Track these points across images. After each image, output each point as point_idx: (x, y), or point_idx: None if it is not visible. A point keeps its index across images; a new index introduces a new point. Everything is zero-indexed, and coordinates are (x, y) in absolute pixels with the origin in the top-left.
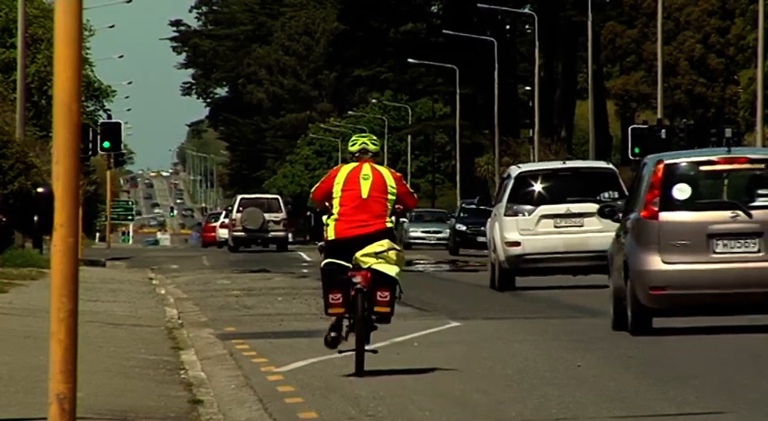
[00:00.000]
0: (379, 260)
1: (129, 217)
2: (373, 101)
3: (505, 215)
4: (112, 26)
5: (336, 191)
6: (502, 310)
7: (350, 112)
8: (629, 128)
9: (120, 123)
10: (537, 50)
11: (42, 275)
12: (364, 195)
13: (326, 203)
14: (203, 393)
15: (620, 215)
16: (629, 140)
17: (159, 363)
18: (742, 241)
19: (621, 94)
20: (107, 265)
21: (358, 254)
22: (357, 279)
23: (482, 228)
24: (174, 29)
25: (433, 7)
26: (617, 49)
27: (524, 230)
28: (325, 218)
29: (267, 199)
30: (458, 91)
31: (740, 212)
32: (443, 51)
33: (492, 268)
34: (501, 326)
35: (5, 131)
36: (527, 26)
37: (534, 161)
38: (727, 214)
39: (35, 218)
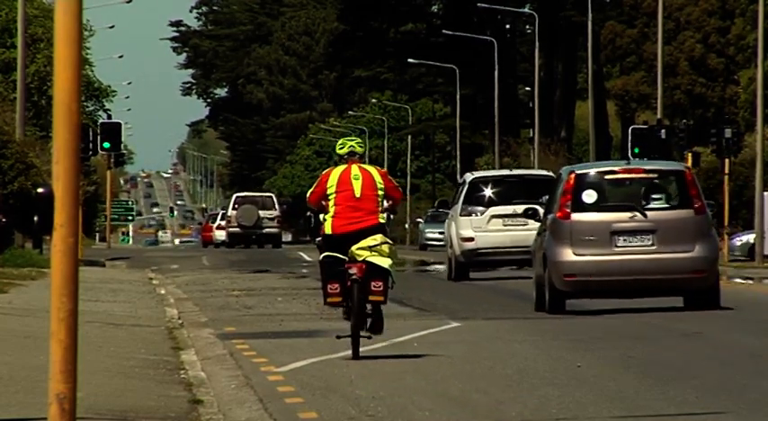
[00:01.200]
0: (373, 253)
1: (130, 217)
2: (373, 101)
3: (461, 215)
4: (112, 26)
5: (331, 193)
6: (502, 310)
7: (350, 112)
8: (629, 128)
9: (120, 123)
10: (537, 50)
11: (42, 275)
12: (357, 194)
13: (323, 203)
14: (203, 393)
15: (541, 216)
16: (629, 140)
17: (159, 363)
18: (639, 237)
19: (621, 94)
20: (107, 265)
21: (353, 247)
22: (353, 270)
23: None
24: (174, 29)
25: (433, 7)
26: (617, 49)
27: (477, 228)
28: (321, 216)
29: (262, 197)
30: (458, 91)
31: (637, 213)
32: (443, 51)
33: (449, 262)
34: (501, 327)
35: (5, 131)
36: (527, 26)
37: (534, 161)
38: (626, 215)
39: (35, 218)
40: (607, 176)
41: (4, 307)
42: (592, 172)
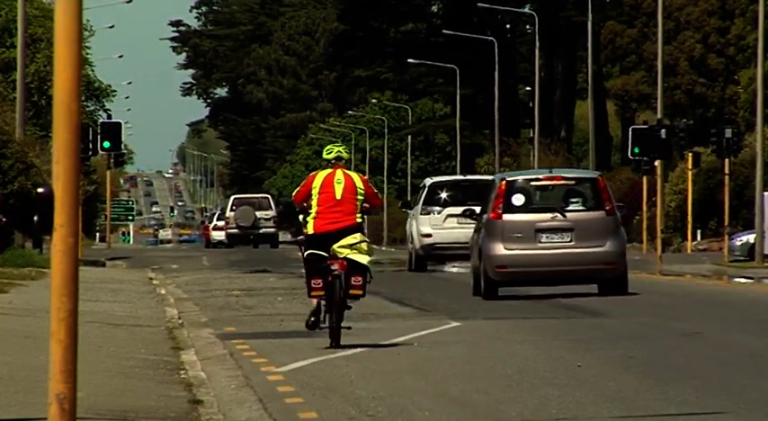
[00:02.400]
0: (353, 250)
1: (130, 217)
2: (373, 101)
3: (421, 214)
4: (112, 26)
5: (314, 194)
6: (502, 310)
7: (350, 112)
8: (629, 128)
9: (120, 123)
10: (537, 50)
11: (42, 275)
12: (338, 197)
13: (305, 204)
14: (203, 393)
15: (478, 216)
16: (629, 140)
17: (159, 363)
18: (559, 234)
19: (621, 94)
20: (107, 265)
21: (335, 245)
22: (335, 266)
23: None
24: (174, 29)
25: (433, 7)
26: (617, 49)
27: (435, 225)
28: (301, 217)
29: (258, 198)
30: (458, 91)
31: (558, 214)
32: (443, 51)
33: (410, 255)
34: (501, 327)
35: (5, 131)
36: (527, 26)
37: (535, 161)
38: (549, 215)
39: (35, 218)
40: (533, 183)
41: (4, 307)
42: (520, 179)
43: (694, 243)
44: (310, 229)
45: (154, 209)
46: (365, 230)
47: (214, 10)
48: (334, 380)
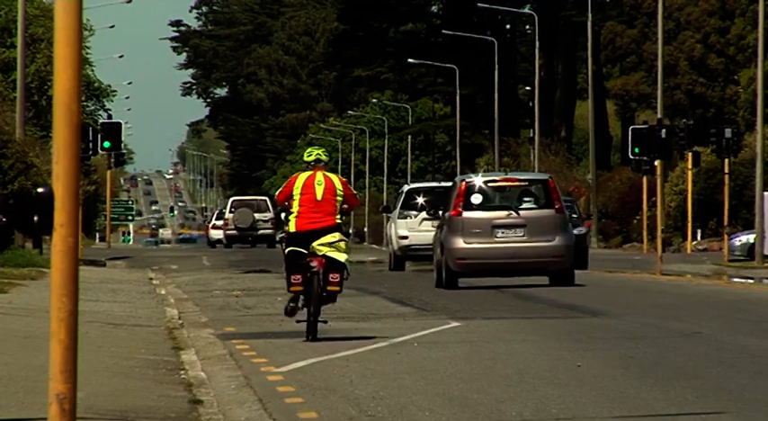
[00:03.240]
0: (332, 249)
1: (130, 217)
2: (373, 101)
3: (398, 218)
4: (112, 26)
5: (296, 194)
6: (502, 310)
7: (350, 112)
8: (629, 128)
9: (120, 123)
10: (537, 50)
11: (42, 275)
12: (319, 198)
13: (286, 203)
14: (203, 393)
15: (441, 215)
16: (629, 140)
17: (159, 363)
18: (513, 230)
19: (621, 94)
20: (107, 265)
21: (314, 243)
22: (314, 263)
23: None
24: (174, 29)
25: (433, 7)
26: (617, 49)
27: (411, 228)
28: (284, 216)
29: (257, 200)
30: (458, 91)
31: (512, 212)
32: (443, 51)
33: (389, 256)
34: (501, 326)
35: (5, 131)
36: (527, 26)
37: (534, 161)
38: (504, 213)
39: (35, 218)
40: (490, 184)
41: (3, 307)
42: (478, 180)
43: (694, 243)
44: (292, 228)
45: (153, 208)
46: (345, 230)
47: (214, 10)
48: (334, 380)
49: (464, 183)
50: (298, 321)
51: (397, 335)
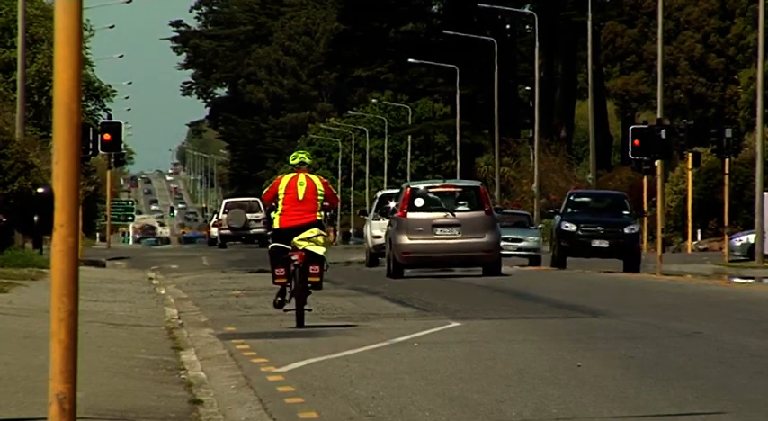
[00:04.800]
0: (311, 243)
1: (130, 217)
2: (373, 101)
3: (373, 220)
4: (112, 26)
5: (281, 194)
6: (502, 310)
7: (350, 112)
8: (630, 128)
9: (120, 123)
10: (537, 50)
11: (42, 275)
12: (300, 197)
13: (273, 203)
14: (203, 393)
15: (391, 216)
16: (629, 140)
17: (159, 363)
18: (450, 228)
19: (621, 94)
20: (107, 265)
21: (295, 239)
22: (295, 257)
23: (599, 229)
24: (175, 29)
25: (433, 7)
26: (617, 49)
27: (383, 228)
28: (271, 213)
29: (249, 201)
30: (458, 91)
31: (449, 214)
32: (443, 51)
33: (366, 253)
34: (501, 326)
35: (5, 131)
36: (527, 26)
37: (534, 161)
38: (442, 214)
39: (35, 218)
40: (431, 189)
41: (3, 307)
42: (421, 186)
43: (694, 243)
44: (276, 225)
45: (153, 207)
46: (326, 226)
47: (214, 10)
48: (334, 380)
49: (409, 188)
50: (285, 310)
51: (397, 335)
